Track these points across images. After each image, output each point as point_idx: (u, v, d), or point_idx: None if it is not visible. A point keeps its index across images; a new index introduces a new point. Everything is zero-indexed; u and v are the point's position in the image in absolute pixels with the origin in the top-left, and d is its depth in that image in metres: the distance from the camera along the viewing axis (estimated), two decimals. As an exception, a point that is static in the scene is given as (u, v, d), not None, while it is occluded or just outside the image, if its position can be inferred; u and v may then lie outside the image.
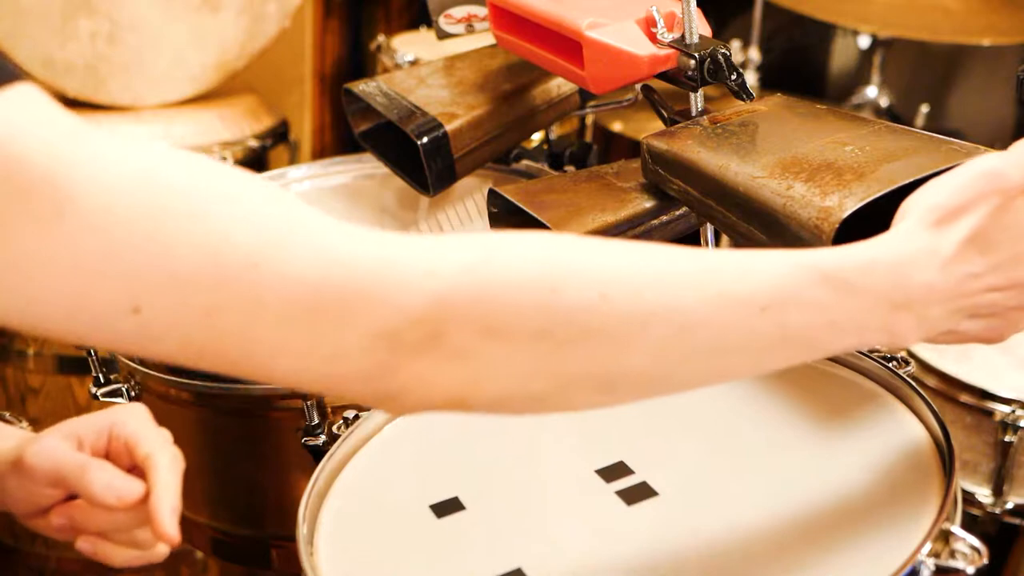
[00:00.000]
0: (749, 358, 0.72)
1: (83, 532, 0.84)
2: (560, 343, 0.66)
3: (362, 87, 1.32)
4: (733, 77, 1.00)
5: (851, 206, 0.84)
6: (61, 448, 0.83)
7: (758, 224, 0.92)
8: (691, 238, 1.10)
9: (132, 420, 0.85)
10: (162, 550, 0.86)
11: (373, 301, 0.63)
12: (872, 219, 0.86)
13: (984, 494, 1.47)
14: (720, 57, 1.00)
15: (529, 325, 0.65)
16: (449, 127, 1.23)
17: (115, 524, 0.82)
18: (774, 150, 0.94)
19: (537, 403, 0.68)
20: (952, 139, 0.91)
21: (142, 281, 0.59)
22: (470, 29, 1.35)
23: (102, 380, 1.24)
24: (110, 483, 0.80)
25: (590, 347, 0.66)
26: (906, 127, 0.96)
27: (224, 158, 1.89)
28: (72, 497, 0.84)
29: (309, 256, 0.62)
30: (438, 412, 0.68)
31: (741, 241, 0.97)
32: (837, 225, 0.84)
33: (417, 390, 0.65)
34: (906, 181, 0.85)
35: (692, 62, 1.00)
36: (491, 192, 1.05)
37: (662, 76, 1.05)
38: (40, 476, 0.83)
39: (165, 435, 0.85)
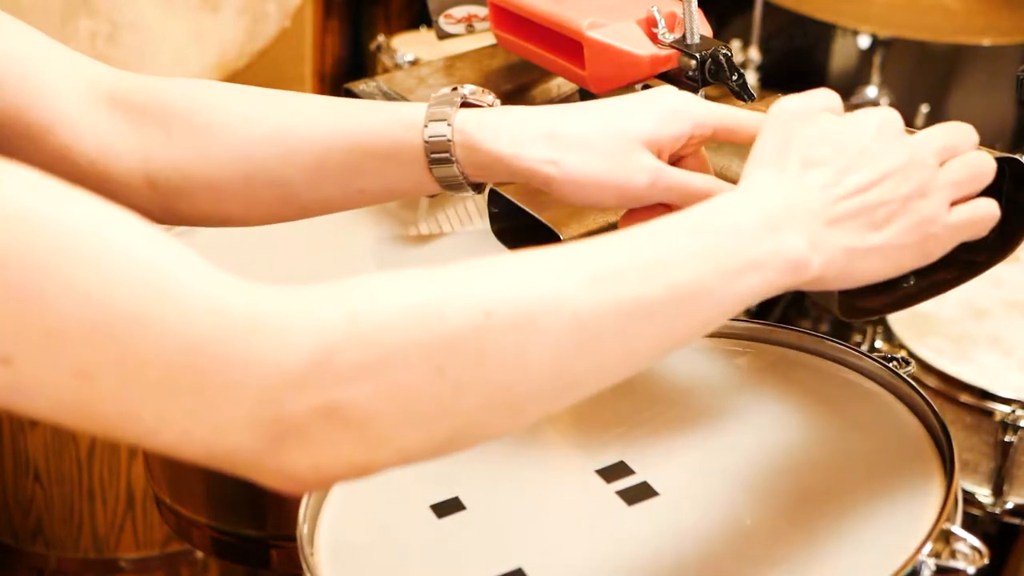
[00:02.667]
0: (654, 331, 0.69)
1: None
2: (458, 377, 0.63)
3: (362, 87, 1.32)
4: (734, 77, 1.00)
5: (852, 206, 0.84)
6: (680, 177, 0.86)
7: (759, 224, 0.92)
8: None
9: (702, 115, 0.86)
10: None
11: (258, 361, 0.59)
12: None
13: (984, 494, 1.47)
14: (721, 57, 1.00)
15: (424, 365, 0.62)
16: (449, 127, 1.23)
17: None
18: (775, 150, 0.94)
19: (446, 447, 0.66)
20: (953, 139, 0.91)
21: (13, 332, 0.55)
22: (470, 29, 1.35)
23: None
24: None
25: (488, 370, 0.64)
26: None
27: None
28: None
29: (196, 311, 0.58)
30: (341, 483, 0.64)
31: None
32: (838, 225, 0.84)
33: (313, 465, 0.62)
34: (907, 181, 0.85)
35: (693, 62, 1.00)
36: (491, 192, 1.05)
37: (663, 76, 1.05)
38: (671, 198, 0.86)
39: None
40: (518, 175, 0.88)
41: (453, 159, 0.88)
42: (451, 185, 0.90)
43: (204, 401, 0.59)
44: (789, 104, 0.78)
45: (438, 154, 0.88)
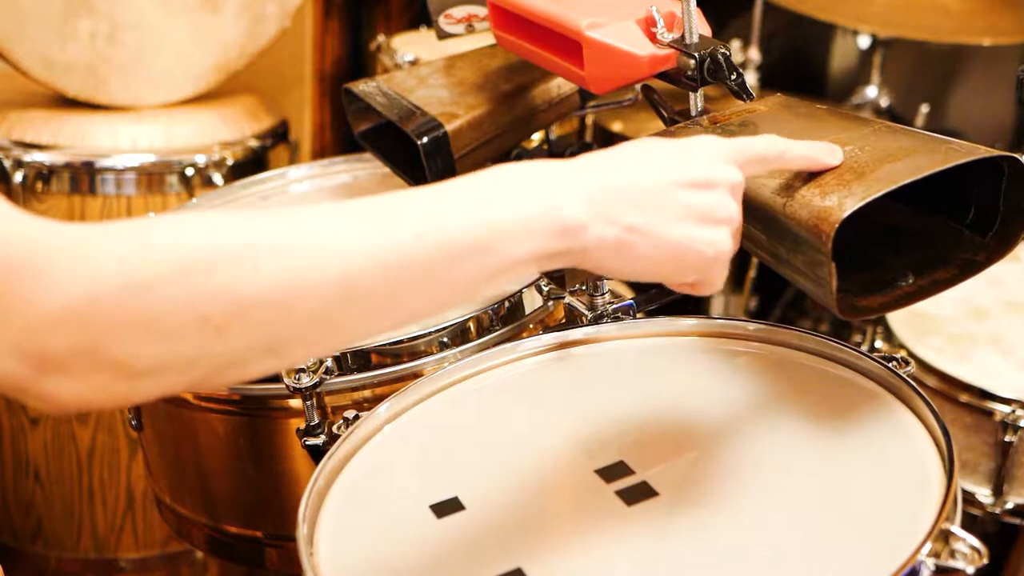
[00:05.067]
0: (425, 287, 0.72)
1: None
2: (221, 325, 0.66)
3: (362, 87, 1.32)
4: (733, 77, 1.00)
5: (851, 206, 0.84)
6: None
7: (758, 224, 0.92)
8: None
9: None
10: None
11: (25, 299, 0.62)
12: (871, 219, 0.86)
13: (984, 494, 1.47)
14: (720, 57, 1.00)
15: (188, 313, 0.65)
16: (449, 127, 1.23)
17: None
18: (774, 150, 0.94)
19: (205, 383, 0.69)
20: (952, 139, 0.91)
21: None
22: (470, 29, 1.35)
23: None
24: None
25: (251, 319, 0.67)
26: (906, 127, 0.96)
27: (224, 158, 1.89)
28: None
29: None
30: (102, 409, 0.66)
31: (742, 241, 0.97)
32: (837, 225, 0.84)
33: (74, 393, 0.65)
34: (906, 181, 0.85)
35: (692, 62, 1.00)
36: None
37: (662, 76, 1.05)
38: None
39: None
40: None
41: None
42: None
43: None
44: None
45: None
